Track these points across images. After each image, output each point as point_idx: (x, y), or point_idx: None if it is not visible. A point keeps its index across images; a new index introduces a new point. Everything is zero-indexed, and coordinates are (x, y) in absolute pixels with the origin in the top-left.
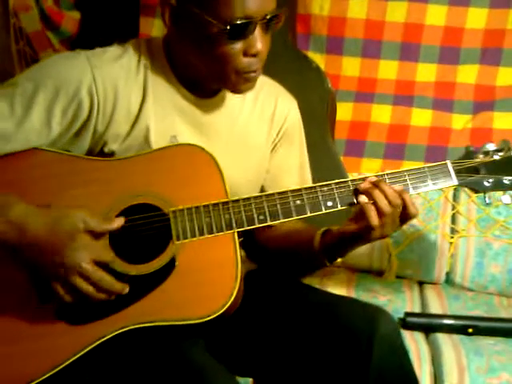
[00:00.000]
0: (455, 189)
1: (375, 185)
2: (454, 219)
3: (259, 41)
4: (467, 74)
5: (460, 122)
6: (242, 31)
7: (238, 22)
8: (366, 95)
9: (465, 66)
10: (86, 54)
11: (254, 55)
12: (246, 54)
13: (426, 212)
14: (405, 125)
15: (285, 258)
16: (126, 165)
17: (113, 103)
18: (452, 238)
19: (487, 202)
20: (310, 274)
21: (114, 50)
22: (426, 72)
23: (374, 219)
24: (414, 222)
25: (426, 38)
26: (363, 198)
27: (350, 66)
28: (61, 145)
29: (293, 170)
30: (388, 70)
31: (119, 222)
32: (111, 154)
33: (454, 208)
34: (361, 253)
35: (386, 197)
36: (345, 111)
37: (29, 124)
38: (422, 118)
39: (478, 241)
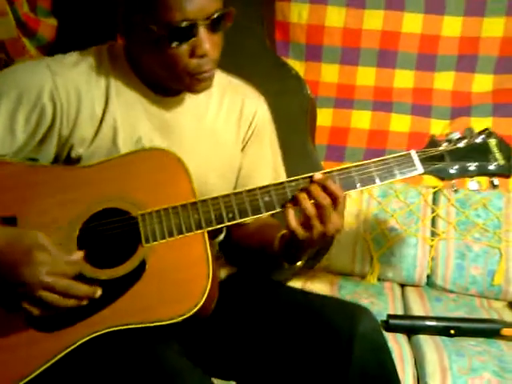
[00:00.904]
0: (434, 192)
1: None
2: (433, 222)
3: (205, 42)
4: (444, 81)
5: (438, 126)
6: (184, 34)
7: (179, 26)
8: (346, 101)
9: (441, 73)
10: (46, 61)
11: (202, 56)
12: (193, 55)
13: (406, 216)
14: (384, 130)
15: (253, 256)
16: (93, 171)
17: (76, 107)
18: (432, 240)
19: (454, 189)
20: (280, 274)
21: (74, 56)
22: (404, 78)
23: (290, 220)
24: (395, 225)
25: (403, 45)
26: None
27: (329, 73)
28: (26, 153)
29: (266, 167)
30: (366, 76)
31: (77, 257)
32: (78, 158)
33: (433, 211)
34: (343, 256)
35: (308, 192)
36: (325, 117)
37: None
38: (400, 123)
39: (458, 243)
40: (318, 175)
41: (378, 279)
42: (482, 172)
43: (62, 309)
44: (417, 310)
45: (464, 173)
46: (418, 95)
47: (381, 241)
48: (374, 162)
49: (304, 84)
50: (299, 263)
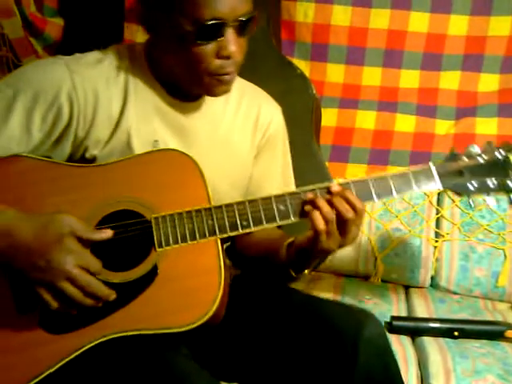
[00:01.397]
0: (439, 193)
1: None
2: (438, 223)
3: (232, 43)
4: (450, 80)
5: (443, 127)
6: (212, 32)
7: (208, 23)
8: (351, 101)
9: (447, 73)
10: (64, 60)
11: (227, 57)
12: (218, 56)
13: (410, 217)
14: (389, 130)
15: (258, 265)
16: (107, 171)
17: (93, 108)
18: (436, 241)
19: (471, 205)
20: (286, 282)
21: (93, 55)
22: (410, 78)
23: (319, 223)
24: (399, 226)
25: (409, 44)
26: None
27: (335, 73)
28: (42, 151)
29: (276, 177)
30: (372, 76)
31: (108, 234)
32: (93, 159)
33: (438, 212)
34: (347, 257)
35: (330, 203)
36: (330, 117)
37: (8, 131)
38: (405, 123)
39: (462, 244)
40: (336, 187)
41: (382, 280)
42: (500, 189)
43: (77, 305)
44: (420, 311)
45: (483, 189)
46: (423, 95)
47: (385, 242)
48: (392, 175)
49: (309, 83)
50: (306, 272)
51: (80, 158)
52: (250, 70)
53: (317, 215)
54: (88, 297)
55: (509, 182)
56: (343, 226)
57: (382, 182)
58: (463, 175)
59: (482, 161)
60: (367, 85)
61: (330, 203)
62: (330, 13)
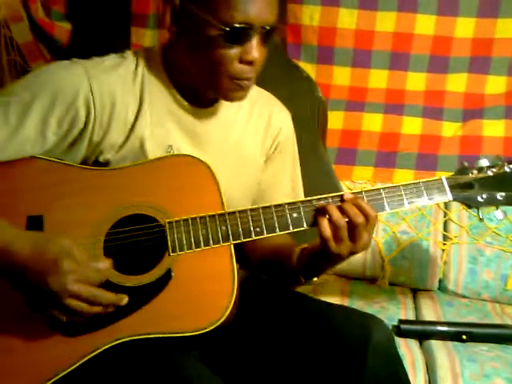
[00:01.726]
0: None
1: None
2: (445, 226)
3: (256, 49)
4: (456, 83)
5: (450, 129)
6: (240, 36)
7: (237, 26)
8: (357, 104)
9: (454, 75)
10: (83, 63)
11: (250, 63)
12: (241, 60)
13: (418, 219)
14: (396, 133)
15: (266, 268)
16: (121, 174)
17: (109, 113)
18: (444, 244)
19: (481, 217)
20: (292, 286)
21: (111, 59)
22: (416, 81)
23: (325, 229)
24: (407, 229)
25: (416, 47)
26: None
27: (341, 76)
28: (56, 154)
29: (285, 183)
30: (378, 79)
31: (105, 265)
32: (106, 163)
33: (445, 215)
34: (354, 260)
35: (341, 209)
36: (336, 120)
37: (23, 133)
38: (412, 126)
39: (470, 247)
40: (348, 194)
41: (390, 283)
42: (509, 202)
43: (88, 316)
44: (428, 314)
45: (492, 202)
46: (429, 97)
47: (392, 244)
48: (403, 186)
49: (315, 86)
50: (316, 279)
51: (94, 161)
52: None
53: (324, 222)
54: (96, 306)
55: None
56: (353, 232)
57: (394, 191)
58: (473, 187)
59: (491, 174)
60: (373, 87)
61: (341, 210)
62: (336, 16)
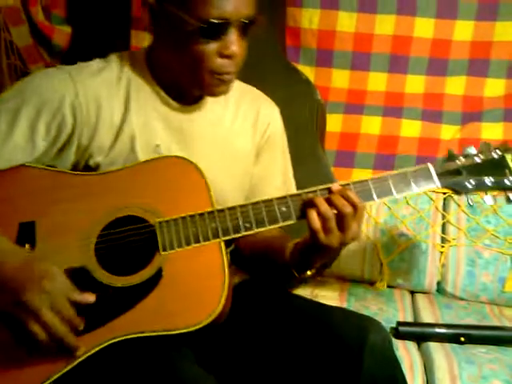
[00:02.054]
0: (445, 198)
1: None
2: (444, 228)
3: (234, 43)
4: (455, 85)
5: (449, 132)
6: (217, 31)
7: (214, 21)
8: (356, 107)
9: (453, 78)
10: (67, 69)
11: (229, 57)
12: (220, 55)
13: (416, 221)
14: (394, 135)
15: (260, 264)
16: (112, 178)
17: (96, 116)
18: (442, 247)
19: (470, 203)
20: (287, 284)
21: (95, 64)
22: (415, 83)
23: (314, 221)
24: (405, 231)
25: (415, 49)
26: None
27: (340, 78)
28: (46, 161)
29: (276, 176)
30: (377, 81)
31: (90, 299)
32: (97, 166)
33: (444, 217)
34: (352, 262)
35: (329, 200)
36: (335, 122)
37: (13, 141)
38: (411, 128)
39: (469, 250)
40: (336, 186)
41: (388, 286)
42: (498, 186)
43: (39, 345)
44: (427, 317)
45: (480, 187)
46: (428, 100)
47: (390, 247)
48: (391, 175)
49: (314, 89)
50: (309, 273)
51: (84, 166)
52: (256, 76)
53: (312, 214)
54: (53, 342)
55: (505, 180)
56: (342, 223)
57: (382, 182)
58: (461, 174)
59: (478, 160)
60: (372, 90)
61: (329, 201)
62: (336, 19)
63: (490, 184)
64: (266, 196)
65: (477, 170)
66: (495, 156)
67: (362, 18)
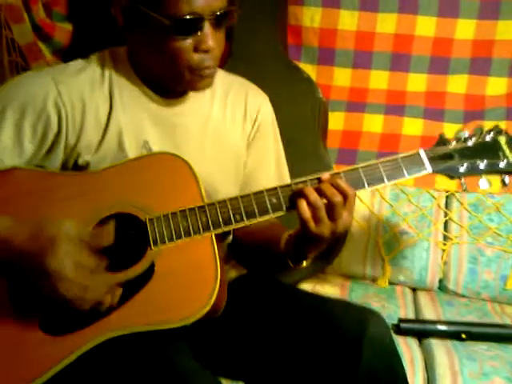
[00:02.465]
0: (447, 196)
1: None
2: (446, 226)
3: (209, 37)
4: (457, 84)
5: (451, 131)
6: (190, 27)
7: (186, 18)
8: (358, 105)
9: (455, 76)
10: (48, 71)
11: (206, 51)
12: (196, 50)
13: (418, 219)
14: (396, 134)
15: (255, 255)
16: (101, 177)
17: (81, 114)
18: (445, 244)
19: (463, 188)
20: (283, 273)
21: (76, 64)
22: (417, 82)
23: (304, 211)
24: (407, 228)
25: (416, 48)
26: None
27: (342, 77)
28: (35, 162)
29: (269, 165)
30: (379, 80)
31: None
32: (86, 165)
33: (446, 215)
34: (354, 259)
35: (318, 190)
36: (337, 121)
37: (0, 144)
38: (413, 127)
39: (471, 248)
40: (326, 175)
41: (389, 283)
42: (492, 170)
43: (80, 307)
44: (428, 313)
45: (474, 171)
46: (430, 99)
47: (392, 244)
48: (381, 162)
49: (316, 87)
50: (304, 264)
51: (73, 165)
52: (257, 75)
53: (302, 204)
54: (89, 295)
55: (500, 162)
56: (332, 212)
57: (373, 169)
58: (453, 158)
59: (471, 143)
60: (374, 88)
61: (319, 190)
62: (337, 17)
63: (483, 167)
64: (261, 185)
65: (470, 154)
66: (488, 139)
67: (363, 17)
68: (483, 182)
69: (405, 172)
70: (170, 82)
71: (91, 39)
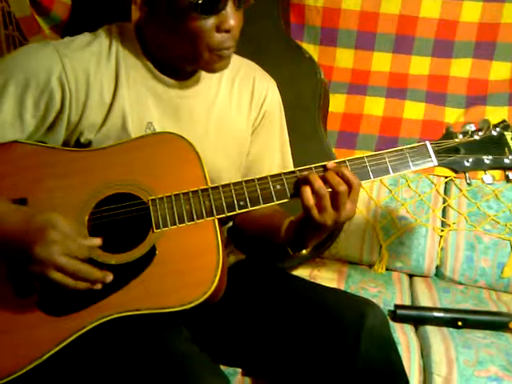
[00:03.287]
0: (446, 182)
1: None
2: (444, 213)
3: (232, 17)
4: (460, 68)
5: (453, 115)
6: (214, 6)
7: None
8: (359, 87)
9: (458, 60)
10: (53, 44)
11: (227, 31)
12: (218, 29)
13: (416, 205)
14: (397, 117)
15: (255, 241)
16: (103, 155)
17: (85, 91)
18: (442, 231)
19: (468, 182)
20: (281, 261)
21: (83, 38)
22: (420, 65)
23: (307, 198)
24: (405, 214)
25: (420, 30)
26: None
27: (344, 58)
28: (36, 138)
29: (274, 152)
30: (381, 62)
31: (96, 242)
32: (88, 143)
33: (444, 201)
34: (351, 245)
35: (324, 178)
36: (338, 103)
37: (1, 118)
38: (414, 111)
39: (468, 234)
40: (331, 164)
41: (386, 269)
42: (496, 165)
43: (73, 291)
44: (424, 300)
45: (479, 166)
46: (433, 82)
47: (390, 230)
48: (387, 153)
49: (318, 67)
50: (304, 252)
51: (75, 143)
52: (259, 54)
53: (306, 191)
54: (80, 281)
55: (505, 158)
56: (336, 201)
57: (378, 160)
58: (459, 152)
59: (477, 138)
60: (376, 70)
61: (324, 179)
62: None
63: (488, 162)
64: (264, 173)
65: (475, 148)
66: (494, 134)
67: None
68: (487, 177)
69: (410, 164)
70: (183, 62)
71: (90, 14)
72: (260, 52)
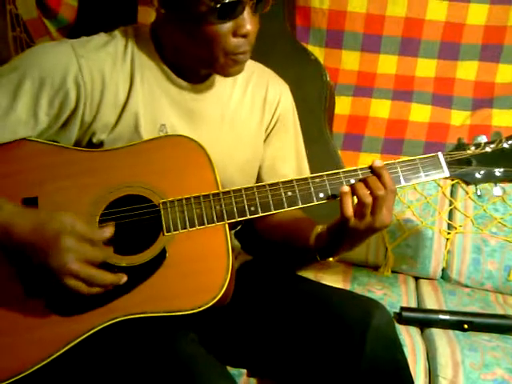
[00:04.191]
0: (452, 185)
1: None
2: (451, 215)
3: (249, 21)
4: (467, 71)
5: (459, 118)
6: (232, 10)
7: (228, 1)
8: (365, 89)
9: (464, 62)
10: (71, 43)
11: (244, 36)
12: (235, 34)
13: (423, 207)
14: (403, 120)
15: (280, 248)
16: (115, 156)
17: (100, 92)
18: (449, 233)
19: (478, 194)
20: (303, 267)
21: (99, 38)
22: (426, 67)
23: (347, 208)
24: (411, 217)
25: (427, 33)
26: (344, 188)
27: (350, 60)
28: (48, 136)
29: (290, 158)
30: (387, 64)
31: (108, 232)
32: (100, 144)
33: (451, 204)
34: (357, 247)
35: (368, 186)
36: (343, 105)
37: (15, 115)
38: (420, 113)
39: (475, 237)
40: (379, 162)
41: (392, 271)
42: (507, 178)
43: (86, 295)
44: (430, 303)
45: (490, 178)
46: (439, 85)
47: (396, 232)
48: (399, 163)
49: (323, 70)
50: (331, 259)
51: (87, 143)
52: (265, 56)
53: (347, 201)
54: (93, 287)
55: None
56: (374, 205)
57: (390, 169)
58: (470, 164)
59: (489, 150)
60: (382, 73)
61: (366, 182)
62: None
63: (499, 175)
64: (277, 179)
65: (487, 160)
66: (506, 146)
67: None
68: (497, 189)
69: (422, 174)
70: (199, 66)
71: (96, 16)
72: (266, 54)
